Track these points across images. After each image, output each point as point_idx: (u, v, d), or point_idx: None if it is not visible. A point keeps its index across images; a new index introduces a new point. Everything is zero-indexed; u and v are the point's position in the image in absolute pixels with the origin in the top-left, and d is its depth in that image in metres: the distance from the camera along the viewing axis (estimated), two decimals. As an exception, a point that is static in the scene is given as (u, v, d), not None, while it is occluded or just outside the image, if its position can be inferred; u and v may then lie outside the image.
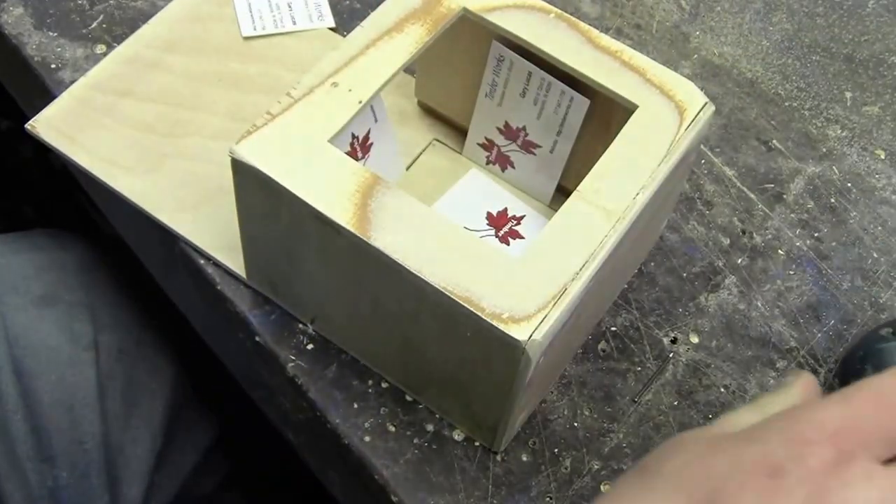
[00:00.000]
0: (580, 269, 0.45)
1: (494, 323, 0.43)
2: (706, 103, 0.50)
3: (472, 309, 0.43)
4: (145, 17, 0.65)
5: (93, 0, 0.65)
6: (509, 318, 0.43)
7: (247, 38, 0.65)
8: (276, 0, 0.67)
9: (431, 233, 0.45)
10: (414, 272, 0.44)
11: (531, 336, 0.43)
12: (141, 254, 0.69)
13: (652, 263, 0.59)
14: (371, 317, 0.50)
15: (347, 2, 0.68)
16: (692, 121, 0.50)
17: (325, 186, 0.46)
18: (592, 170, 0.48)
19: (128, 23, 0.65)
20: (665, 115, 0.50)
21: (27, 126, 0.58)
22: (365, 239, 0.44)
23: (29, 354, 0.59)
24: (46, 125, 0.59)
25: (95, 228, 0.75)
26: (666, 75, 0.51)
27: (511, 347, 0.43)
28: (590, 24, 0.53)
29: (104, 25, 0.65)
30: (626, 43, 0.68)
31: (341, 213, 0.45)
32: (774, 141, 0.66)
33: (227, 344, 0.62)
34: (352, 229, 0.44)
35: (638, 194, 0.47)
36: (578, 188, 0.47)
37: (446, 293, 0.43)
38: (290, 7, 0.66)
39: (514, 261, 0.45)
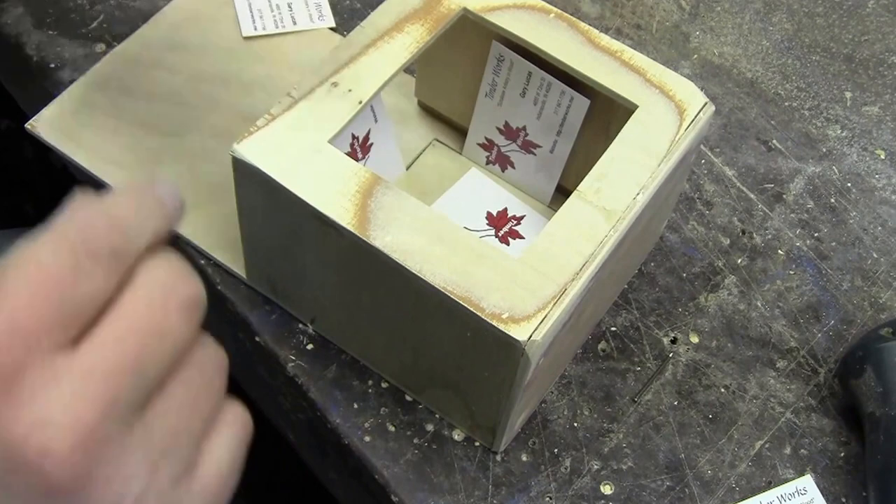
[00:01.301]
0: (580, 269, 0.45)
1: (494, 323, 0.43)
2: (706, 103, 0.50)
3: (471, 309, 0.43)
4: (145, 16, 0.65)
5: (93, 0, 0.65)
6: (509, 319, 0.43)
7: (247, 38, 0.65)
8: (276, 0, 0.67)
9: (431, 233, 0.45)
10: (414, 272, 0.44)
11: (531, 336, 0.43)
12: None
13: (652, 263, 0.59)
14: (371, 317, 0.50)
15: (348, 2, 0.68)
16: (692, 121, 0.50)
17: (326, 186, 0.46)
18: (592, 170, 0.48)
19: (128, 22, 0.65)
20: (665, 115, 0.50)
21: (27, 125, 0.58)
22: (365, 239, 0.44)
23: None
24: (46, 125, 0.59)
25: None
26: (666, 75, 0.51)
27: (511, 347, 0.43)
28: (590, 24, 0.53)
29: (104, 25, 0.65)
30: (627, 43, 0.67)
31: (341, 213, 0.45)
32: (774, 141, 0.66)
33: (226, 344, 0.62)
34: (352, 229, 0.44)
35: (638, 194, 0.47)
36: (578, 188, 0.47)
37: (446, 293, 0.43)
38: (290, 7, 0.66)
39: (514, 261, 0.45)
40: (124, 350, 0.27)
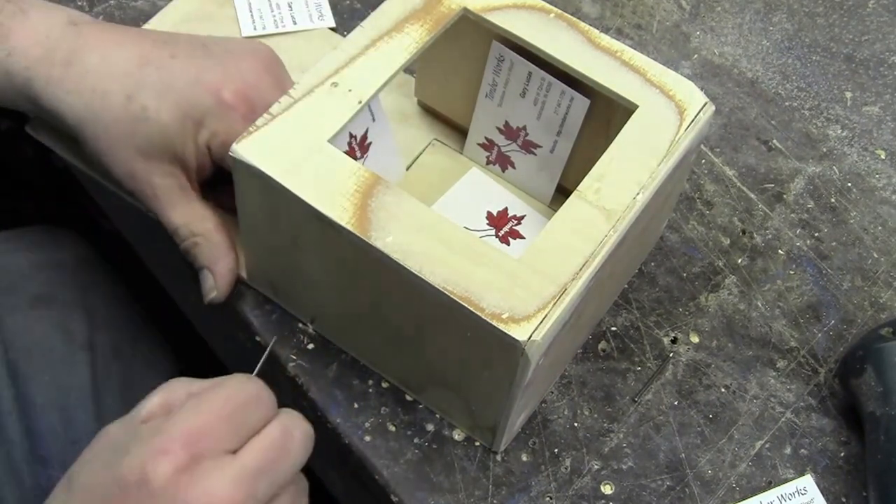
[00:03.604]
0: (580, 269, 0.45)
1: (494, 323, 0.43)
2: (706, 103, 0.50)
3: (471, 309, 0.43)
4: (146, 16, 0.65)
5: (92, 0, 0.65)
6: (509, 318, 0.43)
7: (247, 38, 0.65)
8: (276, 0, 0.67)
9: (431, 233, 0.45)
10: (414, 272, 0.44)
11: (531, 336, 0.43)
12: (141, 253, 0.69)
13: (652, 263, 0.60)
14: (371, 317, 0.50)
15: (348, 2, 0.68)
16: (692, 121, 0.50)
17: (325, 186, 0.46)
18: (592, 170, 0.48)
19: (128, 22, 0.65)
20: (665, 115, 0.50)
21: (27, 127, 0.58)
22: (365, 239, 0.44)
23: (23, 357, 0.59)
24: (46, 126, 0.59)
25: (96, 226, 0.75)
26: (666, 75, 0.51)
27: (511, 347, 0.43)
28: (590, 24, 0.53)
29: (104, 25, 0.65)
30: (627, 43, 0.68)
31: (341, 212, 0.45)
32: (774, 141, 0.66)
33: (227, 343, 0.62)
34: (351, 229, 0.44)
35: (638, 194, 0.47)
36: (578, 188, 0.47)
37: (446, 293, 0.43)
38: (290, 7, 0.66)
39: (514, 261, 0.45)
40: (265, 458, 0.40)
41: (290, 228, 0.48)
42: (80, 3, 0.65)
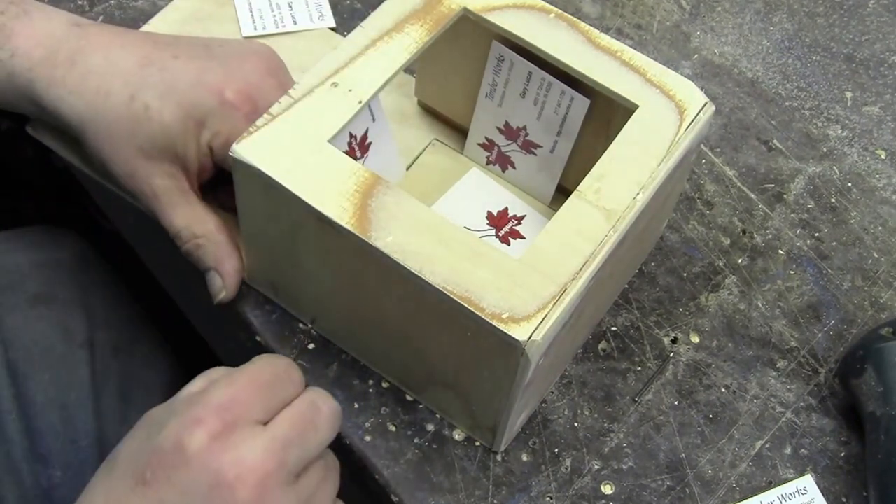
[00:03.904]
0: (580, 269, 0.45)
1: (494, 323, 0.43)
2: (706, 103, 0.50)
3: (471, 309, 0.43)
4: (146, 16, 0.65)
5: (93, 0, 0.65)
6: (509, 318, 0.43)
7: (247, 38, 0.65)
8: (276, 0, 0.67)
9: (431, 233, 0.45)
10: (414, 272, 0.44)
11: (531, 336, 0.43)
12: (141, 253, 0.69)
13: (652, 263, 0.60)
14: (371, 317, 0.50)
15: (348, 2, 0.68)
16: (692, 121, 0.50)
17: (325, 186, 0.46)
18: (592, 170, 0.48)
19: (128, 22, 0.65)
20: (665, 115, 0.50)
21: (27, 127, 0.58)
22: (365, 239, 0.44)
23: (22, 355, 0.59)
24: (47, 126, 0.59)
25: (96, 226, 0.75)
26: (666, 75, 0.51)
27: (511, 347, 0.43)
28: (590, 24, 0.53)
29: (105, 25, 0.65)
30: (627, 43, 0.68)
31: (341, 212, 0.45)
32: (775, 141, 0.66)
33: (227, 343, 0.62)
34: (351, 229, 0.44)
35: (638, 194, 0.47)
36: (578, 188, 0.47)
37: (446, 293, 0.43)
38: (290, 7, 0.66)
39: (514, 261, 0.45)
40: (294, 429, 0.43)
41: (291, 229, 0.48)
42: (80, 3, 0.65)
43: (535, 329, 0.43)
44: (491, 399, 0.48)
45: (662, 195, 0.50)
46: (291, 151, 0.46)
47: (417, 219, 0.45)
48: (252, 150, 0.46)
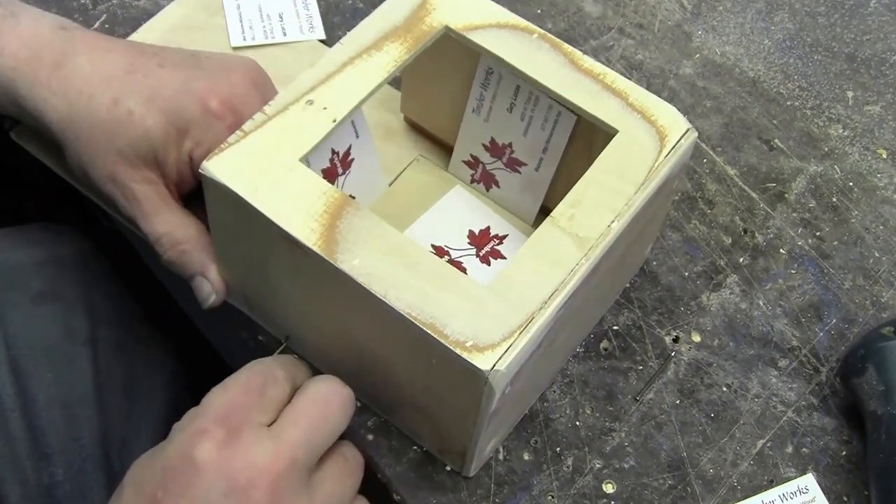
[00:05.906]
0: (549, 298, 0.43)
1: (457, 351, 0.42)
2: (688, 129, 0.49)
3: (435, 336, 0.42)
4: (148, 16, 0.65)
5: (95, 0, 0.65)
6: (473, 347, 0.42)
7: (236, 49, 0.64)
8: (267, 10, 0.66)
9: (399, 256, 0.44)
10: (379, 296, 0.43)
11: (494, 366, 0.42)
12: (142, 251, 0.69)
13: (654, 262, 0.60)
14: (339, 338, 0.49)
15: (337, 18, 0.68)
16: (673, 147, 0.48)
17: (294, 206, 0.45)
18: (567, 196, 0.46)
19: (130, 23, 0.65)
20: (645, 141, 0.48)
21: (11, 134, 0.58)
22: (331, 261, 0.43)
23: (25, 353, 0.59)
24: (30, 132, 0.58)
25: (96, 224, 0.75)
26: (648, 100, 0.50)
27: (474, 377, 0.42)
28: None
29: (106, 25, 0.65)
30: (629, 42, 0.68)
31: (308, 233, 0.44)
32: (776, 140, 0.66)
33: (229, 342, 0.62)
34: (318, 251, 0.44)
35: (613, 222, 0.46)
36: (552, 214, 0.46)
37: (410, 318, 0.42)
38: (280, 18, 0.66)
39: (481, 288, 0.43)
40: (299, 426, 0.43)
41: (260, 247, 0.48)
42: (83, 2, 0.65)
43: (500, 358, 0.42)
44: (459, 425, 0.47)
45: (641, 222, 0.49)
46: (262, 170, 0.45)
47: (386, 242, 0.44)
48: (222, 167, 0.45)
